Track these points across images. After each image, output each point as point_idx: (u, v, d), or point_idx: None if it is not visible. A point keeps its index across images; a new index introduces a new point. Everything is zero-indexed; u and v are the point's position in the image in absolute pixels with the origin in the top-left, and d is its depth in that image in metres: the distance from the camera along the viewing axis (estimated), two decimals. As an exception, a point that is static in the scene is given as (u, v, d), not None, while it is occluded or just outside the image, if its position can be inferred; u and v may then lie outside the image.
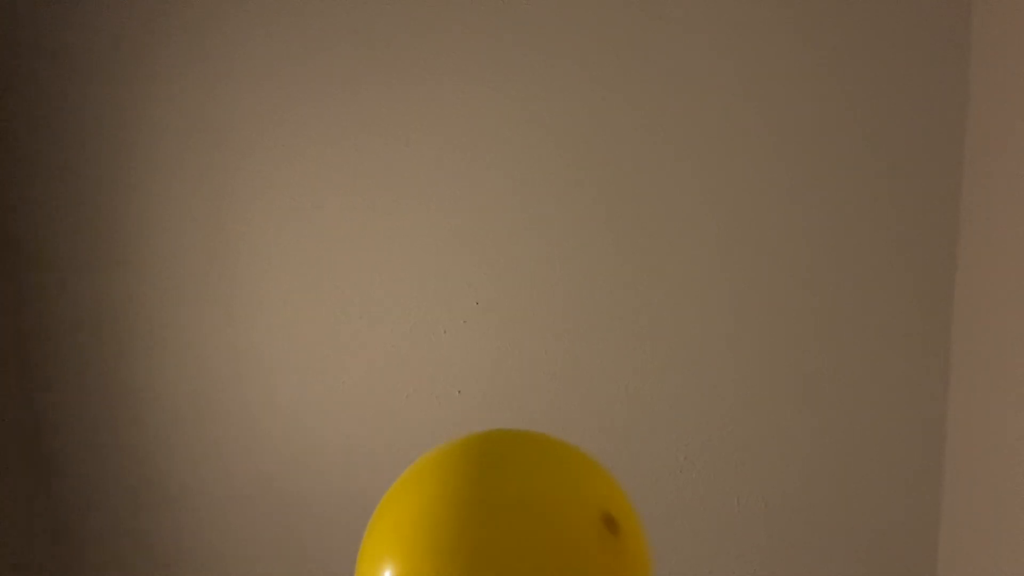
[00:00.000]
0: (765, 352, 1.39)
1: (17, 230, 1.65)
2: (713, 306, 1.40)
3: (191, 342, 1.61)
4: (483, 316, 1.48)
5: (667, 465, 1.45)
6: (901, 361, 1.35)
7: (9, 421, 1.65)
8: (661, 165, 1.39)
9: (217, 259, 1.58)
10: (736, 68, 1.34)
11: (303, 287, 1.56)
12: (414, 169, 1.48)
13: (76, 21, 1.56)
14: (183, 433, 1.64)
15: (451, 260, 1.49)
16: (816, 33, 1.31)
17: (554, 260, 1.44)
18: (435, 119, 1.45)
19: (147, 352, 1.63)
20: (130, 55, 1.55)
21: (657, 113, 1.38)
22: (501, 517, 0.57)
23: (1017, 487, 1.14)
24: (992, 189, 1.22)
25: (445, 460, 0.61)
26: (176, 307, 1.61)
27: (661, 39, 1.36)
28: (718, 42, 1.34)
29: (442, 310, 1.50)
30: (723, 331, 1.40)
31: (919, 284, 1.33)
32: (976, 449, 1.27)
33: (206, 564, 1.67)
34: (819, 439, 1.39)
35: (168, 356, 1.63)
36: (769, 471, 1.41)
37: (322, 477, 1.60)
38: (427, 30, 1.44)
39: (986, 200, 1.24)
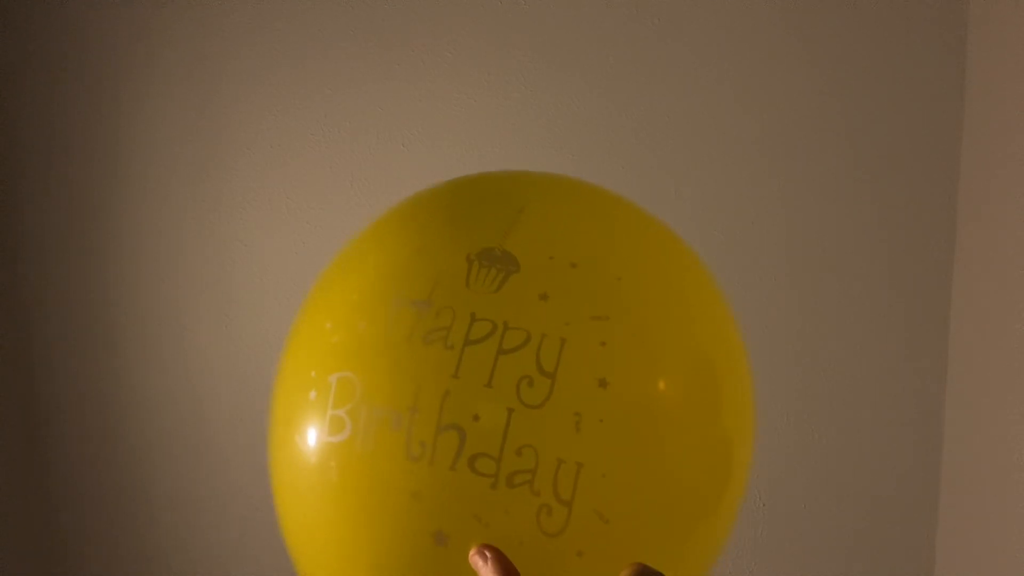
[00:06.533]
0: (763, 351, 1.39)
1: (10, 229, 1.64)
2: (712, 306, 1.40)
3: (188, 342, 1.61)
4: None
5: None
6: (899, 361, 1.35)
7: (6, 422, 1.65)
8: (658, 164, 1.38)
9: (213, 259, 1.58)
10: (733, 67, 1.34)
11: (300, 287, 1.55)
12: (411, 170, 1.47)
13: (71, 21, 1.55)
14: (180, 432, 1.64)
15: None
16: (813, 31, 1.31)
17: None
18: (433, 121, 1.45)
19: (143, 351, 1.63)
20: (126, 54, 1.55)
21: (655, 113, 1.37)
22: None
23: (1014, 486, 1.14)
24: (989, 188, 1.22)
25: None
26: (172, 307, 1.60)
27: (659, 40, 1.35)
28: (714, 41, 1.34)
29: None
30: (722, 331, 1.40)
31: (916, 282, 1.33)
32: (974, 449, 1.27)
33: (206, 564, 1.67)
34: (818, 439, 1.39)
35: (164, 355, 1.62)
36: (769, 471, 1.41)
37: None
38: (425, 31, 1.43)
39: (983, 198, 1.24)
